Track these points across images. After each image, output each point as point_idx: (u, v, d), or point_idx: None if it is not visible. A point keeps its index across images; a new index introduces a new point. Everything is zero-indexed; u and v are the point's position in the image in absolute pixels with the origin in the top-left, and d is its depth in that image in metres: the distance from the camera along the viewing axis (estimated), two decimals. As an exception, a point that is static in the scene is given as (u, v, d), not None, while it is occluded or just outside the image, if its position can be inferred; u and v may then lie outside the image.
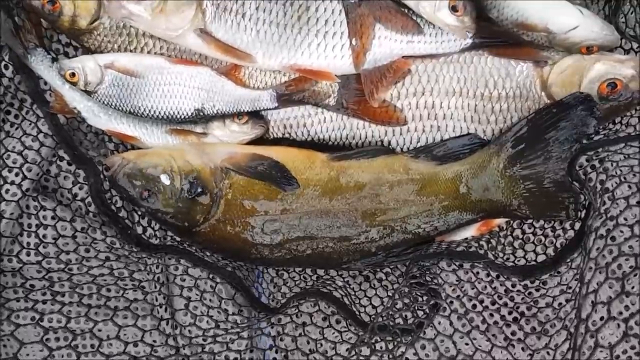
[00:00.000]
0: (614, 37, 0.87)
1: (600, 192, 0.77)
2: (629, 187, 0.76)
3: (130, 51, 0.97)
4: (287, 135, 1.01)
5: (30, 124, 1.02)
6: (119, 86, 0.95)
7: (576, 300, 0.70)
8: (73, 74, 0.94)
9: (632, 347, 0.70)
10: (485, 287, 0.91)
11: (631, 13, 0.80)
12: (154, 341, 0.91)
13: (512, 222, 0.94)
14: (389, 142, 0.98)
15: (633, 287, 0.68)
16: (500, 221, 0.95)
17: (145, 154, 0.96)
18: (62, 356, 0.85)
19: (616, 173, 0.79)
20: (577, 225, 0.86)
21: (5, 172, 1.00)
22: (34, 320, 0.87)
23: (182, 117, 0.97)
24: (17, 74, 0.97)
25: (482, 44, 0.91)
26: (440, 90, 0.94)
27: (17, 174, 1.00)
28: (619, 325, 0.69)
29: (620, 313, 0.65)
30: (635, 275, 0.65)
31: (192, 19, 0.88)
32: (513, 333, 0.91)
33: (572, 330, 0.76)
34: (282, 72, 0.95)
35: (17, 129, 1.03)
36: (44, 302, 0.90)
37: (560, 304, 0.78)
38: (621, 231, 0.71)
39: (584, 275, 0.66)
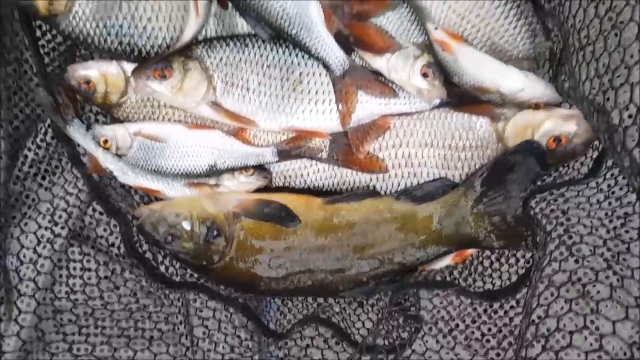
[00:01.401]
0: (556, 96, 1.04)
1: (547, 228, 0.93)
2: (570, 223, 0.92)
3: (154, 120, 1.14)
4: (287, 184, 1.17)
5: (68, 182, 1.18)
6: (145, 149, 1.12)
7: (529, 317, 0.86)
8: (106, 141, 1.12)
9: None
10: (466, 307, 1.06)
11: (565, 80, 0.96)
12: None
13: (481, 252, 1.11)
14: (374, 187, 1.14)
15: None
16: (472, 251, 1.11)
17: (168, 204, 1.13)
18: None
19: (562, 212, 0.95)
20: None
21: (45, 222, 1.16)
22: (77, 350, 1.04)
23: (198, 172, 1.14)
24: (57, 140, 1.15)
25: (448, 103, 1.09)
26: (415, 142, 1.11)
27: (56, 224, 1.17)
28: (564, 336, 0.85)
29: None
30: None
31: (205, 94, 1.06)
32: (492, 347, 1.07)
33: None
34: (281, 132, 1.13)
35: (54, 185, 1.20)
36: (87, 334, 1.07)
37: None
38: (555, 260, 0.87)
39: (530, 301, 0.82)
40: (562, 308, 0.76)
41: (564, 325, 0.82)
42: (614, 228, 0.85)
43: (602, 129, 0.84)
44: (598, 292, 0.82)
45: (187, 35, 1.04)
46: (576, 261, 0.88)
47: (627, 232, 0.84)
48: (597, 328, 0.78)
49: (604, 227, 0.89)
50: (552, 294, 0.85)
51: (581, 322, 0.81)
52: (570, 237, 0.90)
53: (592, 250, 0.87)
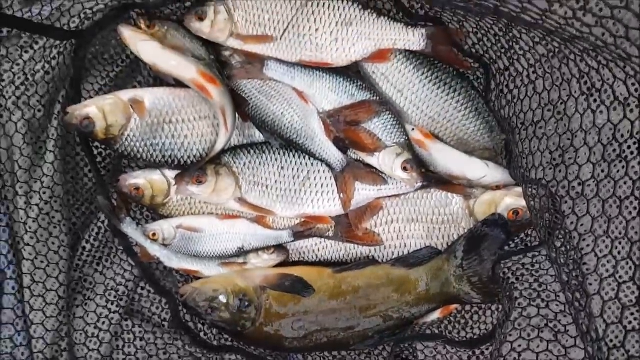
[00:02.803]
0: (511, 179, 1.30)
1: (511, 287, 1.18)
2: (528, 283, 1.17)
3: (192, 214, 1.40)
4: (302, 259, 1.41)
5: (119, 267, 1.42)
6: (186, 239, 1.37)
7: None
8: (154, 234, 1.36)
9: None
10: (452, 356, 1.29)
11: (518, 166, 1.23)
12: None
13: (463, 306, 1.34)
14: (373, 257, 1.37)
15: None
16: (455, 306, 1.35)
17: (206, 282, 1.35)
18: None
19: (521, 273, 1.20)
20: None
21: (102, 302, 1.39)
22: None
23: (229, 254, 1.39)
24: (114, 236, 1.40)
25: (427, 186, 1.34)
26: (403, 219, 1.35)
27: (112, 303, 1.39)
28: None
29: None
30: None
31: (234, 192, 1.32)
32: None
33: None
34: (295, 218, 1.38)
35: (108, 270, 1.42)
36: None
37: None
38: (523, 315, 1.12)
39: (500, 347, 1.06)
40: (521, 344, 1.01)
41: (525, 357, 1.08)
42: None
43: (536, 208, 1.09)
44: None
45: (219, 146, 1.29)
46: (537, 309, 1.14)
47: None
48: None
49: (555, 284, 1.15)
50: (518, 335, 1.11)
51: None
52: (530, 294, 1.16)
53: (547, 304, 1.12)
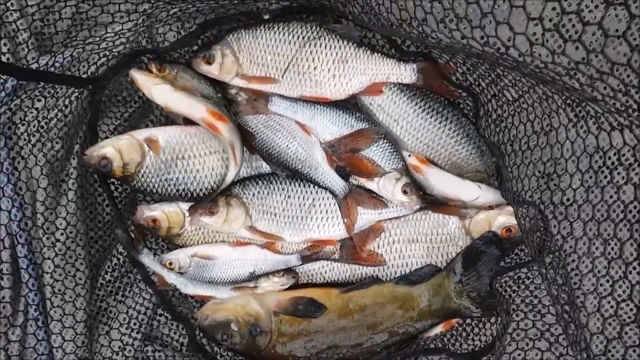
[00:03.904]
0: (502, 200, 1.39)
1: (508, 300, 1.26)
2: (523, 296, 1.25)
3: (205, 243, 1.48)
4: (310, 280, 1.48)
5: (137, 295, 1.50)
6: (201, 267, 1.45)
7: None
8: (171, 263, 1.45)
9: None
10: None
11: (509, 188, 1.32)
12: None
13: (464, 320, 1.42)
14: (377, 276, 1.45)
15: None
16: (457, 320, 1.43)
17: (220, 308, 1.40)
18: None
19: (517, 287, 1.29)
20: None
21: (123, 329, 1.47)
22: None
23: (241, 278, 1.47)
24: (132, 266, 1.48)
25: (425, 208, 1.43)
26: (404, 239, 1.43)
27: (133, 330, 1.47)
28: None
29: None
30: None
31: (244, 221, 1.41)
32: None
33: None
34: (303, 243, 1.46)
35: (127, 298, 1.50)
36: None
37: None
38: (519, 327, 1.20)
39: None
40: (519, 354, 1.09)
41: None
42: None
43: (527, 227, 1.18)
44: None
45: (229, 178, 1.38)
46: (532, 320, 1.22)
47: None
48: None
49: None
50: (516, 345, 1.19)
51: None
52: (526, 306, 1.24)
53: (541, 316, 1.21)
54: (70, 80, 1.30)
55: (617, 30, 0.74)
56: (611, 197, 0.92)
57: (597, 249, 0.90)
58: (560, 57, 0.76)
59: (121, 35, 1.31)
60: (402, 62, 1.37)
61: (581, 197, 0.95)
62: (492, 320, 1.36)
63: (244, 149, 1.39)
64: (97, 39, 1.28)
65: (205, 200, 1.39)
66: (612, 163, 0.91)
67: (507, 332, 1.23)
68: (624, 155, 0.87)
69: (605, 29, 0.70)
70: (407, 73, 1.37)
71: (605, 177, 0.90)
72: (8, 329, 1.34)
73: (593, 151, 0.91)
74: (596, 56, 0.75)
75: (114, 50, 1.35)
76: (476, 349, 1.32)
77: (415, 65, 1.36)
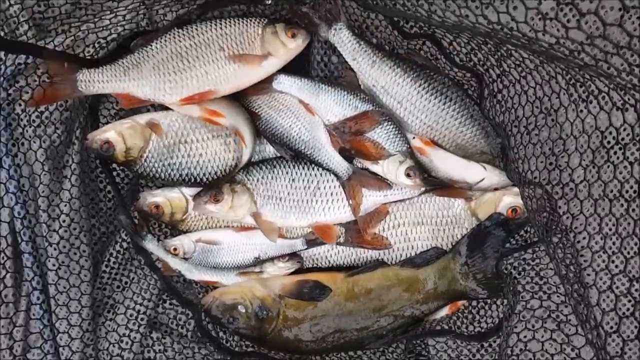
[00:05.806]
0: (508, 181, 1.38)
1: (514, 281, 1.26)
2: (530, 277, 1.25)
3: (210, 228, 1.47)
4: (315, 265, 1.47)
5: (141, 282, 1.49)
6: (205, 252, 1.44)
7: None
8: (175, 249, 1.44)
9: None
10: (462, 349, 1.37)
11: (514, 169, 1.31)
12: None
13: (470, 302, 1.42)
14: (383, 259, 1.44)
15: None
16: (462, 302, 1.43)
17: (226, 292, 1.41)
18: None
19: (523, 268, 1.29)
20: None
21: (129, 316, 1.45)
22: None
23: (246, 263, 1.46)
24: (136, 253, 1.47)
25: (430, 190, 1.42)
26: (409, 222, 1.43)
27: (138, 317, 1.46)
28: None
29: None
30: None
31: (249, 208, 1.40)
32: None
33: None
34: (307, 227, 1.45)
35: (132, 284, 1.50)
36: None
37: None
38: (527, 307, 1.20)
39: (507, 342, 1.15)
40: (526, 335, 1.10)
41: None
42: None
43: (533, 208, 1.18)
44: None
45: (244, 160, 1.39)
46: (539, 301, 1.22)
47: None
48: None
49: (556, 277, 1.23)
50: (523, 326, 1.19)
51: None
52: (533, 287, 1.24)
53: (549, 296, 1.21)
54: (69, 57, 1.27)
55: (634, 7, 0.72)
56: (621, 174, 0.91)
57: (608, 227, 0.90)
58: (577, 32, 0.74)
59: (120, 16, 1.28)
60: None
61: (591, 175, 0.94)
62: (499, 302, 1.36)
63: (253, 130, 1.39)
64: (97, 19, 1.26)
65: (210, 188, 1.38)
66: (622, 139, 0.90)
67: (514, 313, 1.23)
68: (637, 133, 0.86)
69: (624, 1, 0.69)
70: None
71: (616, 155, 0.89)
72: (14, 314, 1.34)
73: (604, 129, 0.90)
74: (612, 32, 0.74)
75: (113, 32, 1.33)
76: (483, 330, 1.32)
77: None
